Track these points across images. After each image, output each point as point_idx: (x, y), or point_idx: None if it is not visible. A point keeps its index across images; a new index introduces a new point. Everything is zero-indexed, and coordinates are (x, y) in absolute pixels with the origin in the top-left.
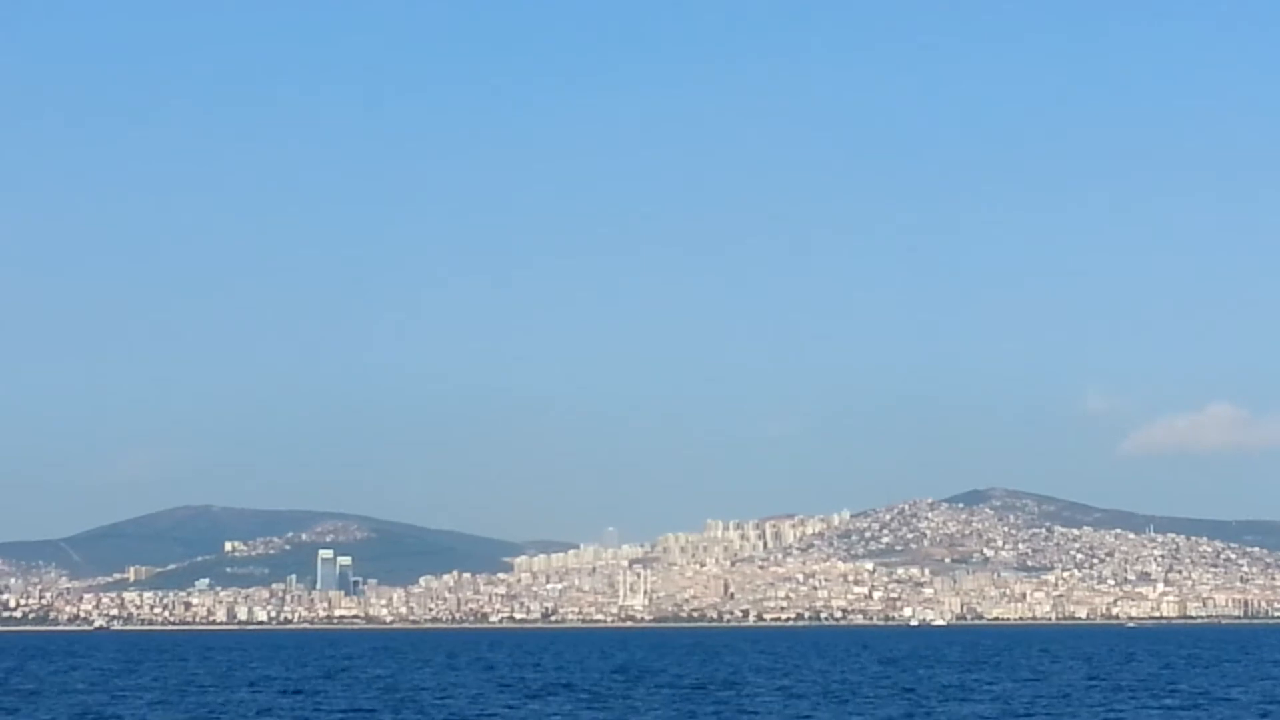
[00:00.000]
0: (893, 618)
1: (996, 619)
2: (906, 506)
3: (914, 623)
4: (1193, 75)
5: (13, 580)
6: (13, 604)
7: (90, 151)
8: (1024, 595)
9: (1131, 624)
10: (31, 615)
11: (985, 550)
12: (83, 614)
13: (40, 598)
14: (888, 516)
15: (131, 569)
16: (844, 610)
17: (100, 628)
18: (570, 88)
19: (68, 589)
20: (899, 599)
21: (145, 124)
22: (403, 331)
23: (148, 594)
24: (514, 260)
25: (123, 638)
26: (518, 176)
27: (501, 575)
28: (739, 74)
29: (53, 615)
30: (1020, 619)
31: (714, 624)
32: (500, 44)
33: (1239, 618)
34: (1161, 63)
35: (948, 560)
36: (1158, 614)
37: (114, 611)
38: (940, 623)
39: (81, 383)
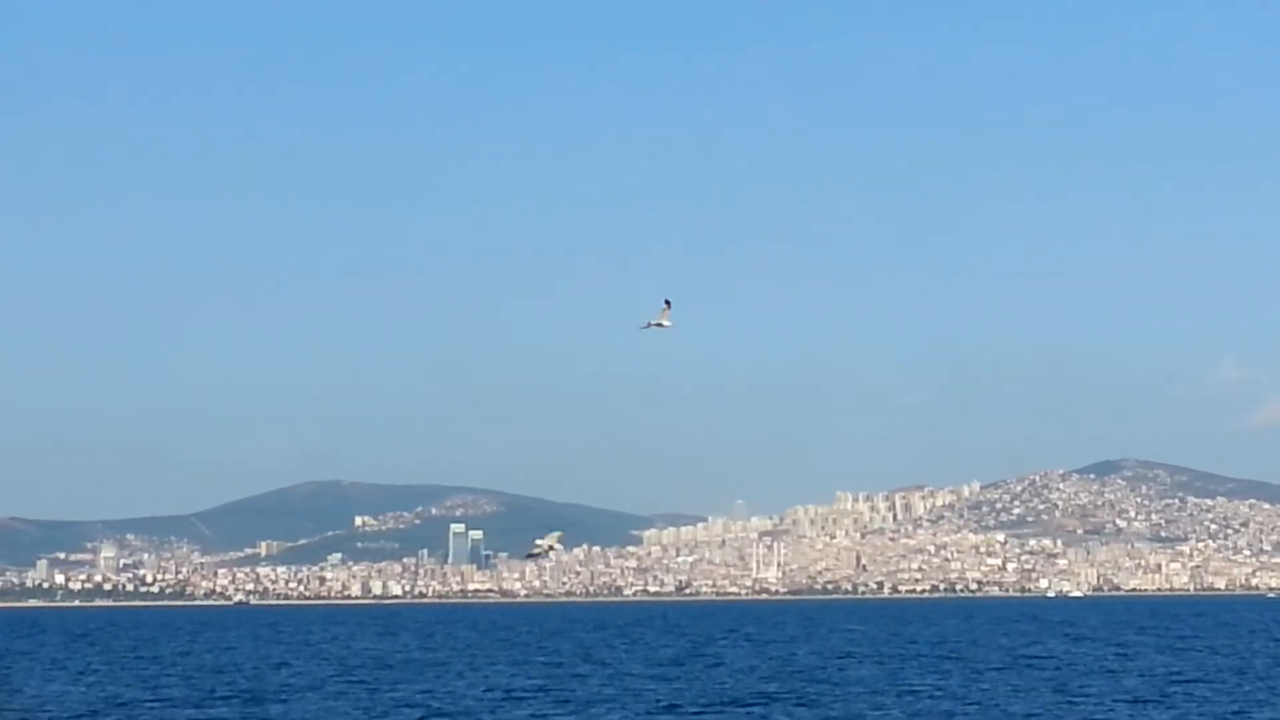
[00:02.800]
0: (1028, 589)
1: (1134, 590)
2: (1037, 478)
3: (1051, 594)
4: None
5: (146, 555)
6: (149, 579)
7: (215, 135)
8: (1159, 566)
9: (1272, 594)
10: (168, 590)
11: (1118, 521)
12: (219, 589)
13: (176, 572)
14: (1018, 488)
15: (262, 544)
16: (979, 582)
17: (240, 602)
18: (717, 74)
19: (200, 564)
20: (1033, 570)
21: (266, 111)
22: (533, 310)
23: (281, 569)
24: (640, 238)
25: (275, 613)
26: (646, 162)
27: (631, 549)
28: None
29: (189, 590)
30: (1158, 590)
31: (848, 596)
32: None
33: None
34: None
35: (1080, 531)
36: None
37: (249, 586)
38: (1077, 594)
39: (213, 361)
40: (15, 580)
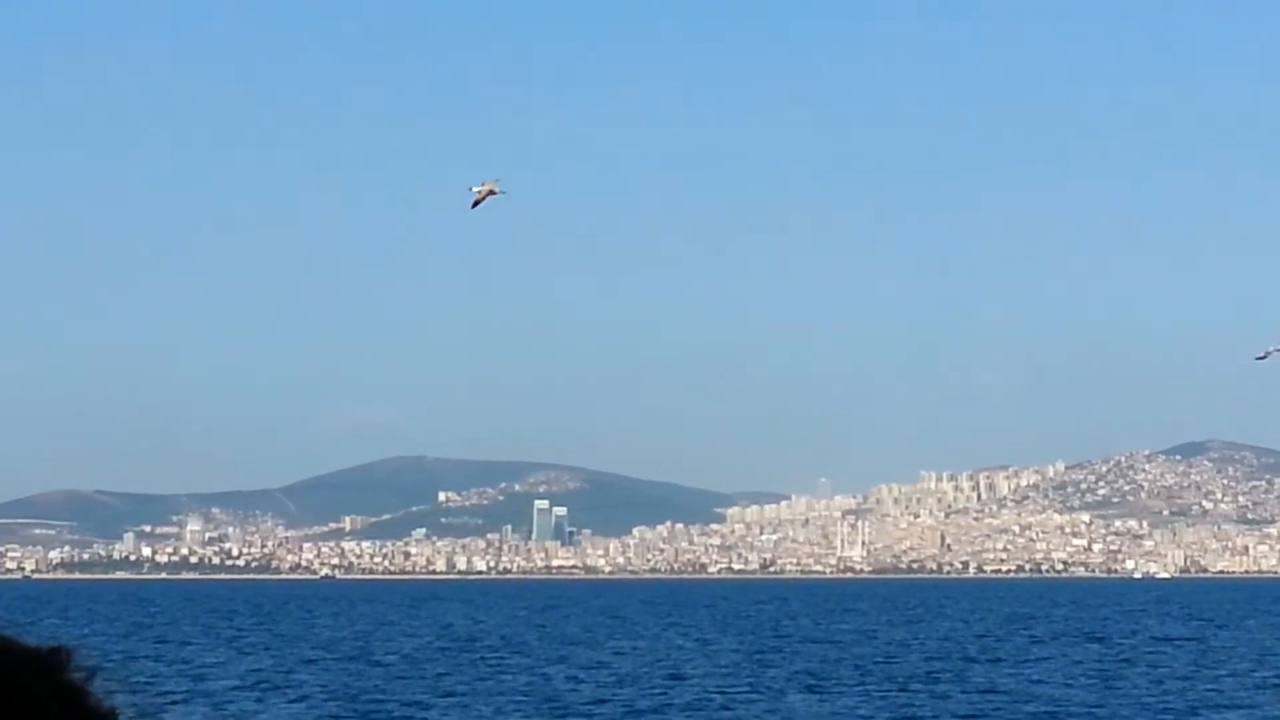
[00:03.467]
0: (1114, 570)
1: (1221, 572)
2: (1123, 458)
3: (1137, 575)
4: None
5: (231, 529)
6: (235, 552)
7: (303, 107)
8: (1246, 548)
9: None
10: (254, 564)
11: (1204, 503)
12: (304, 563)
13: (262, 546)
14: (1104, 468)
15: (346, 519)
16: (1064, 563)
17: (326, 577)
18: (797, 56)
19: (285, 538)
20: (1119, 551)
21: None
22: (616, 285)
23: (365, 544)
24: (728, 214)
25: (361, 587)
26: (730, 137)
27: (714, 526)
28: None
29: (274, 564)
30: (1246, 572)
31: (933, 575)
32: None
33: None
34: None
35: (1166, 513)
36: None
37: (334, 561)
38: (1164, 575)
39: (297, 336)
40: (103, 553)
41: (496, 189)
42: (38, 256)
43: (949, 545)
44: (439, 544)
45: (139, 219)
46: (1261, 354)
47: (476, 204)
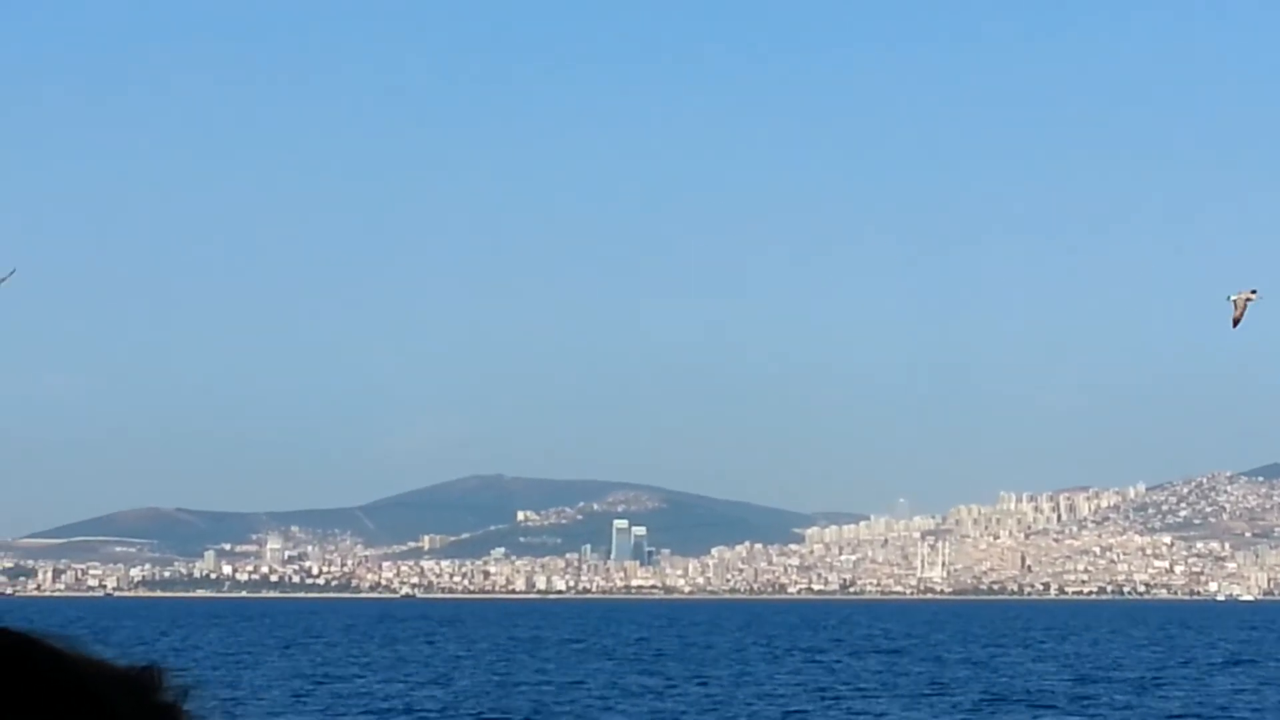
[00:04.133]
0: (1197, 592)
1: None
2: (1204, 479)
3: (1220, 598)
4: None
5: (310, 548)
6: (315, 571)
7: (366, 127)
8: None
9: None
10: (334, 583)
11: None
12: (384, 581)
13: (343, 565)
14: (1185, 489)
15: (425, 538)
16: (1146, 584)
17: (407, 595)
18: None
19: (365, 557)
20: (1201, 574)
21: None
22: (693, 303)
23: (445, 563)
24: (805, 234)
25: (441, 606)
26: (807, 163)
27: (793, 546)
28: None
29: (354, 583)
30: None
31: (1014, 597)
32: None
33: None
34: None
35: (1248, 535)
36: None
37: (414, 580)
38: (1248, 598)
39: (375, 354)
40: (184, 570)
41: (1254, 296)
42: (123, 275)
43: (1029, 567)
44: (518, 563)
45: (222, 239)
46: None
47: (1236, 321)
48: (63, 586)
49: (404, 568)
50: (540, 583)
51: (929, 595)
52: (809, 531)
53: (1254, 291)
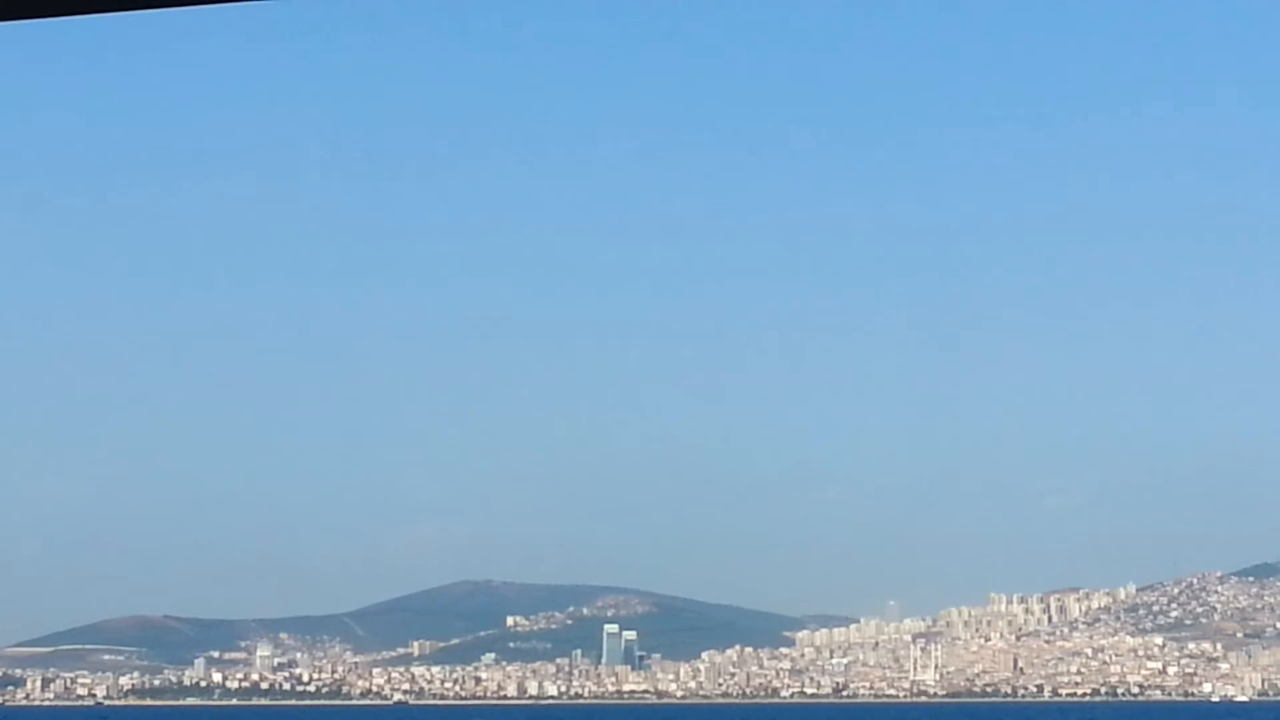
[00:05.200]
0: (1192, 693)
1: None
2: (1195, 580)
3: (1215, 699)
4: None
5: (299, 654)
6: (306, 678)
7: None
8: None
9: None
10: (325, 690)
11: (1279, 624)
12: (374, 688)
13: (332, 672)
14: (1175, 590)
15: (415, 643)
16: (1140, 686)
17: (400, 702)
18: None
19: (354, 663)
20: (1194, 674)
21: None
22: (680, 404)
23: (435, 669)
24: (796, 333)
25: (440, 712)
26: (797, 252)
27: (784, 650)
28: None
29: (344, 690)
30: None
31: (1008, 699)
32: None
33: None
34: None
35: (1240, 635)
36: None
37: (405, 686)
38: (1243, 699)
39: (361, 461)
40: (174, 678)
41: None
42: (105, 383)
43: (1021, 669)
44: (509, 668)
45: (203, 336)
46: None
47: None
48: (52, 696)
49: (394, 674)
50: (532, 688)
51: (922, 698)
52: (799, 635)
53: None
